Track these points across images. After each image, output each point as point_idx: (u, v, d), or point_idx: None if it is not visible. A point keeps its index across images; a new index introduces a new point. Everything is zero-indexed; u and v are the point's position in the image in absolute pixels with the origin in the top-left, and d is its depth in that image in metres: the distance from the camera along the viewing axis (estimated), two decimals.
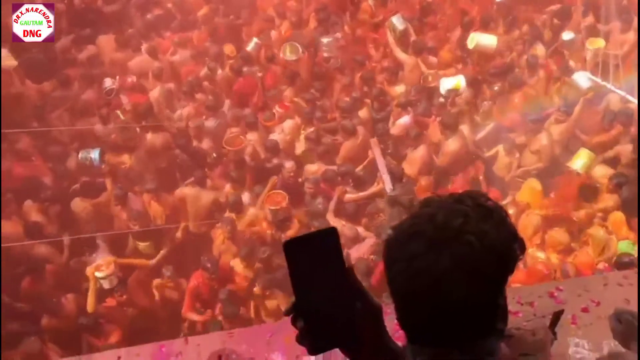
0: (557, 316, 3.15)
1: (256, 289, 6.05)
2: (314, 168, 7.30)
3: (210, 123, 7.84)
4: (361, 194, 7.08)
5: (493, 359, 1.28)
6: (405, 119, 7.73)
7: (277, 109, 7.90)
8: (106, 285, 5.98)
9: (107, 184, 7.16)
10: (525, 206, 6.33)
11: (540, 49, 8.21)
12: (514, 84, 7.68)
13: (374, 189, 7.13)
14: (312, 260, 1.13)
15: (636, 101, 7.09)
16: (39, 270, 6.29)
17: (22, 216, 6.83)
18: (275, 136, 7.62)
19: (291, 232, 6.60)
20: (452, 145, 7.20)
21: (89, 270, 6.01)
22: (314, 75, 8.43)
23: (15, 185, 7.20)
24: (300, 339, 1.11)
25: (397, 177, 6.89)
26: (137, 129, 7.70)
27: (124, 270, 6.22)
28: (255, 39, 8.71)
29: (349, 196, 7.01)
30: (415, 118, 7.66)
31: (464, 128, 7.33)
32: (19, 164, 7.41)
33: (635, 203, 5.81)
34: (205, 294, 6.04)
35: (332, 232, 1.16)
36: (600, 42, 7.74)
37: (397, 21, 8.36)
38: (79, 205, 7.02)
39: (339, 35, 8.73)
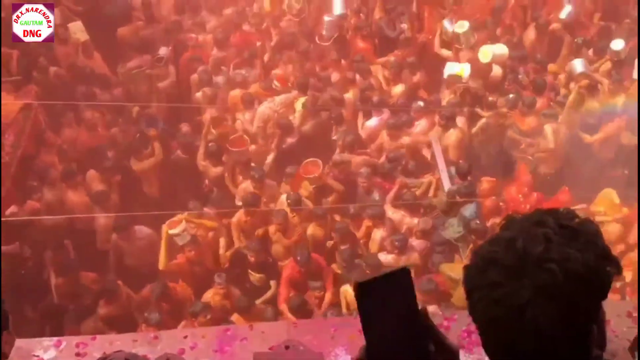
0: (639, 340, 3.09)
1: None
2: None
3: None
4: (417, 180, 7.06)
5: None
6: (373, 121, 7.57)
7: (276, 83, 7.90)
8: (179, 241, 6.08)
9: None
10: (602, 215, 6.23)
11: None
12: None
13: (429, 178, 7.10)
14: (384, 302, 1.12)
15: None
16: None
17: (85, 186, 7.02)
18: (265, 106, 7.57)
19: (332, 198, 6.74)
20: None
21: (163, 228, 6.13)
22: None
23: (79, 155, 7.40)
24: None
25: (461, 174, 6.78)
26: None
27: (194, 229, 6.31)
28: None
29: (402, 179, 6.95)
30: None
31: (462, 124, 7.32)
32: (84, 133, 7.58)
33: None
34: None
35: (405, 272, 1.14)
36: None
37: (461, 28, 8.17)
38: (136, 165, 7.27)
39: (405, 26, 8.62)
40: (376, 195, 6.85)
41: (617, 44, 7.68)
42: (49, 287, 6.28)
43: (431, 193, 7.03)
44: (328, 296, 5.93)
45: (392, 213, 6.60)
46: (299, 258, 5.91)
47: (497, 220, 6.46)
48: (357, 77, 8.08)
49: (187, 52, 8.49)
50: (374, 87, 8.00)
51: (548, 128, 7.20)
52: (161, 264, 6.13)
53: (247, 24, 8.90)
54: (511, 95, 7.61)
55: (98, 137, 7.61)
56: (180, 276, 6.11)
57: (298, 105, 7.62)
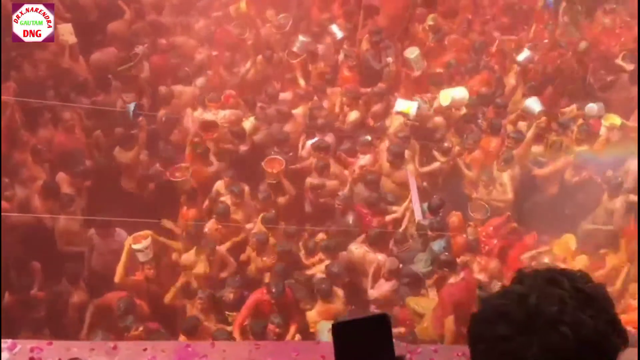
0: None
1: None
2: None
3: None
4: (389, 217, 7.09)
5: None
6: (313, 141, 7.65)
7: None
8: (141, 257, 5.99)
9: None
10: (562, 261, 6.33)
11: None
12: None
13: (400, 213, 7.13)
14: (361, 346, 1.13)
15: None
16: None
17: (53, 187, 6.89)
18: (208, 115, 7.78)
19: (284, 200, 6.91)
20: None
21: (127, 240, 6.05)
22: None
23: (53, 156, 7.29)
24: None
25: (434, 208, 6.84)
26: None
27: (158, 247, 6.27)
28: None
29: (389, 217, 7.06)
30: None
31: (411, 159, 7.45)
32: (61, 135, 7.49)
33: None
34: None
35: (384, 319, 1.16)
36: (616, 119, 7.71)
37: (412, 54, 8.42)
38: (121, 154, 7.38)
39: (390, 59, 8.77)
40: (350, 219, 6.86)
41: (592, 110, 7.83)
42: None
43: (404, 225, 7.09)
44: (290, 334, 5.79)
45: (355, 248, 6.59)
46: (273, 290, 5.78)
47: (467, 257, 6.51)
48: (315, 97, 8.27)
49: (161, 51, 8.87)
50: (324, 108, 8.11)
51: (506, 177, 7.27)
52: (117, 277, 6.04)
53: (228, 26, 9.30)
54: (465, 136, 7.76)
55: (74, 140, 7.51)
56: (135, 293, 5.98)
57: (246, 124, 7.74)
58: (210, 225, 6.64)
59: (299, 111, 8.02)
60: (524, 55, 8.63)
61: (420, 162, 7.64)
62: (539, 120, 7.55)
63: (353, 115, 8.11)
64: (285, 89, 8.51)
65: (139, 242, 6.00)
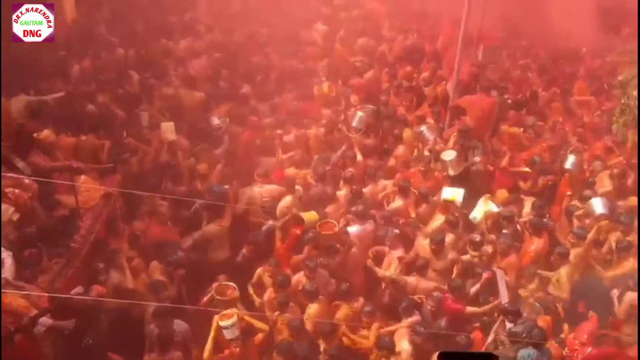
0: None
1: None
2: None
3: None
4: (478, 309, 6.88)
5: None
6: (354, 229, 7.59)
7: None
8: (228, 335, 6.01)
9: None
10: None
11: None
12: None
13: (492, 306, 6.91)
14: None
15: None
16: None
17: (147, 275, 7.18)
18: (254, 189, 8.04)
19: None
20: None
21: (215, 318, 6.14)
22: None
23: (147, 244, 7.63)
24: None
25: (513, 313, 6.49)
26: None
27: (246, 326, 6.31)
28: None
29: (470, 309, 6.87)
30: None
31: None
32: (155, 226, 7.86)
33: None
34: None
35: (491, 358, 1.17)
36: None
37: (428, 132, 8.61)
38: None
39: (477, 159, 8.75)
40: (442, 322, 6.57)
41: None
42: None
43: (492, 336, 6.70)
44: None
45: None
46: None
47: None
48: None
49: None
50: (363, 194, 8.18)
51: (564, 273, 7.08)
52: (206, 354, 6.12)
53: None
54: (504, 234, 7.54)
55: (168, 232, 7.86)
56: None
57: (287, 199, 7.91)
58: (268, 295, 6.78)
59: (341, 193, 8.23)
60: (570, 161, 8.56)
61: (460, 252, 7.50)
62: (600, 224, 7.37)
63: (398, 203, 8.11)
64: (345, 165, 8.80)
65: (226, 320, 6.06)
